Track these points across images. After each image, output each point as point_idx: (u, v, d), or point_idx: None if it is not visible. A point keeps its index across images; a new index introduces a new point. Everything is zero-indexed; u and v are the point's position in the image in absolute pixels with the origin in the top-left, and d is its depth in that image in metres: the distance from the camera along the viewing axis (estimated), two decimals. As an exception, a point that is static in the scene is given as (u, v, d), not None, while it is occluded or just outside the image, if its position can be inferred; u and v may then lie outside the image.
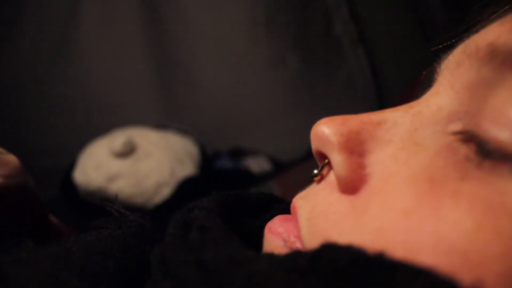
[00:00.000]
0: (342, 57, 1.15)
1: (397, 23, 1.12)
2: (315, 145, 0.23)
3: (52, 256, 0.22)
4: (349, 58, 1.15)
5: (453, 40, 0.23)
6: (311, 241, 0.21)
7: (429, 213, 0.18)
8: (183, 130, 0.96)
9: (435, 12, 1.06)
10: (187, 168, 0.86)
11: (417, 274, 0.16)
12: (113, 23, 1.10)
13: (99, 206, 0.28)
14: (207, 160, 0.93)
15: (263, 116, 1.13)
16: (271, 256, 0.19)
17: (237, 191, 0.28)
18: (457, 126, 0.20)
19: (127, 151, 0.84)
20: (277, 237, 0.23)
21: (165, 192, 0.82)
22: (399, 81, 1.08)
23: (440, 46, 0.24)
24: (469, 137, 0.19)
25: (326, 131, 0.22)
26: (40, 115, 1.06)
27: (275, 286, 0.17)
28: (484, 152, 0.18)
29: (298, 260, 0.18)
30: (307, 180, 0.25)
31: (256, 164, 0.98)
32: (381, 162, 0.21)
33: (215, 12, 1.12)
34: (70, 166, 0.88)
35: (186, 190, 0.82)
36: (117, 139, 0.84)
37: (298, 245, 0.22)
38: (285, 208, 0.28)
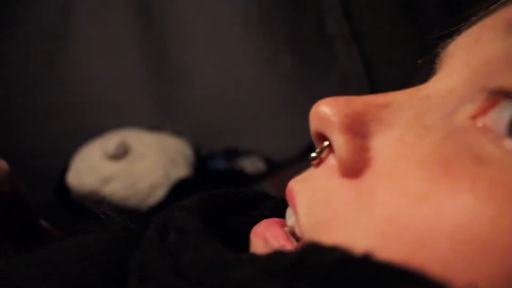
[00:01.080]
0: (336, 56, 1.15)
1: (391, 22, 1.12)
2: (315, 125, 0.22)
3: (32, 264, 0.22)
4: (343, 57, 1.15)
5: (454, 28, 0.22)
6: (313, 232, 0.20)
7: (446, 198, 0.17)
8: (177, 131, 0.96)
9: (429, 11, 1.07)
10: (181, 169, 0.86)
11: (406, 277, 0.15)
12: (106, 24, 1.09)
13: (91, 209, 0.27)
14: (201, 161, 0.93)
15: (257, 115, 1.13)
16: (252, 258, 0.18)
17: (224, 189, 0.27)
18: (469, 109, 0.19)
19: (121, 153, 0.83)
20: (263, 240, 0.22)
21: (159, 194, 0.82)
22: (392, 80, 1.08)
23: (438, 39, 0.23)
24: (484, 120, 0.18)
25: (328, 111, 0.21)
26: (33, 117, 1.06)
27: None
28: (502, 135, 0.17)
29: (279, 262, 0.17)
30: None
31: (251, 164, 0.98)
32: (386, 145, 0.20)
33: (209, 12, 1.12)
34: (64, 168, 0.87)
35: (180, 191, 0.82)
36: (111, 141, 0.84)
37: (289, 247, 0.21)
38: (274, 203, 0.27)
